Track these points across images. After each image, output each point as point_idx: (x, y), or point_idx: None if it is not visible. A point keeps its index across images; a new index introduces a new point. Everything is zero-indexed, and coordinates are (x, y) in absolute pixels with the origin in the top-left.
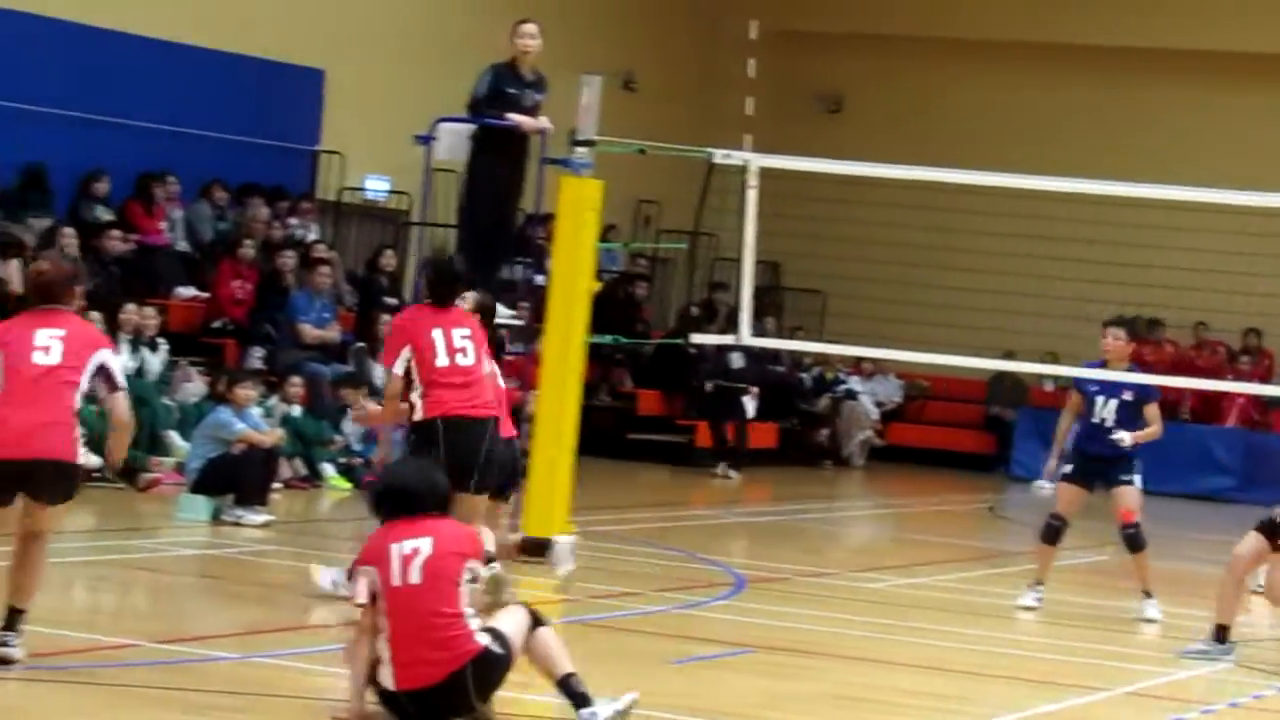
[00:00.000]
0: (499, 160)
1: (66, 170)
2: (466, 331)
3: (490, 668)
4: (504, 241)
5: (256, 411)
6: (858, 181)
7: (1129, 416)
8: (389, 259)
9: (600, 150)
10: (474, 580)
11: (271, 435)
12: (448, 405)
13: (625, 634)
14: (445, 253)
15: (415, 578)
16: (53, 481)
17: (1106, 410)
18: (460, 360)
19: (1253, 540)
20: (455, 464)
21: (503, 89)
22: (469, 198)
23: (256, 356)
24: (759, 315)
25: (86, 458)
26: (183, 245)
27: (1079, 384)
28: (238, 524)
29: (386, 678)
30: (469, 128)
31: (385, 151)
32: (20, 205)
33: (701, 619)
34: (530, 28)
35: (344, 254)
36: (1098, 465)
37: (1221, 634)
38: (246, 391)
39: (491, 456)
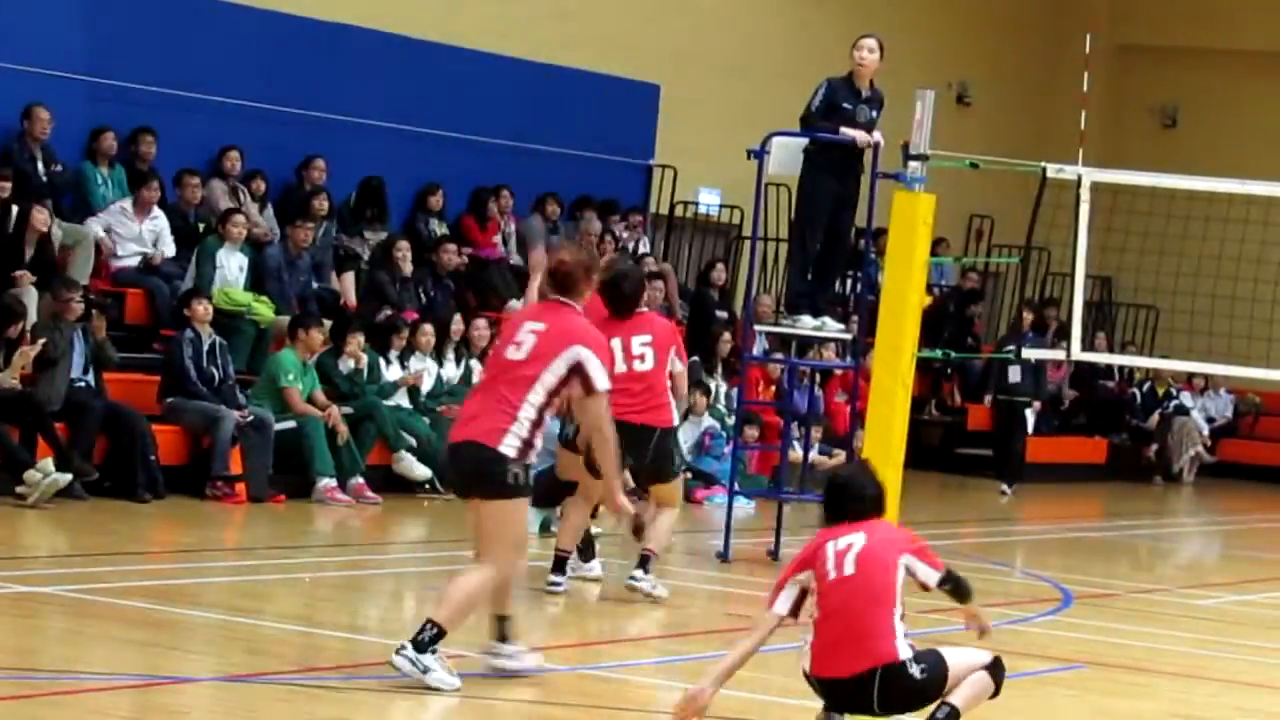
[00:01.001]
0: (831, 175)
1: (403, 184)
2: (647, 338)
3: (900, 682)
4: (836, 256)
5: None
6: (1191, 196)
7: None
8: (720, 272)
9: (933, 165)
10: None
11: None
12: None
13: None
14: (622, 267)
15: (849, 569)
16: (475, 474)
17: None
18: (637, 366)
19: None
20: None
21: (837, 103)
22: (801, 212)
23: None
24: (1091, 330)
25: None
26: (516, 259)
27: None
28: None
29: (806, 660)
30: (801, 142)
31: (718, 165)
32: (357, 219)
33: (1029, 635)
34: (869, 42)
35: (676, 267)
36: None
37: None
38: None
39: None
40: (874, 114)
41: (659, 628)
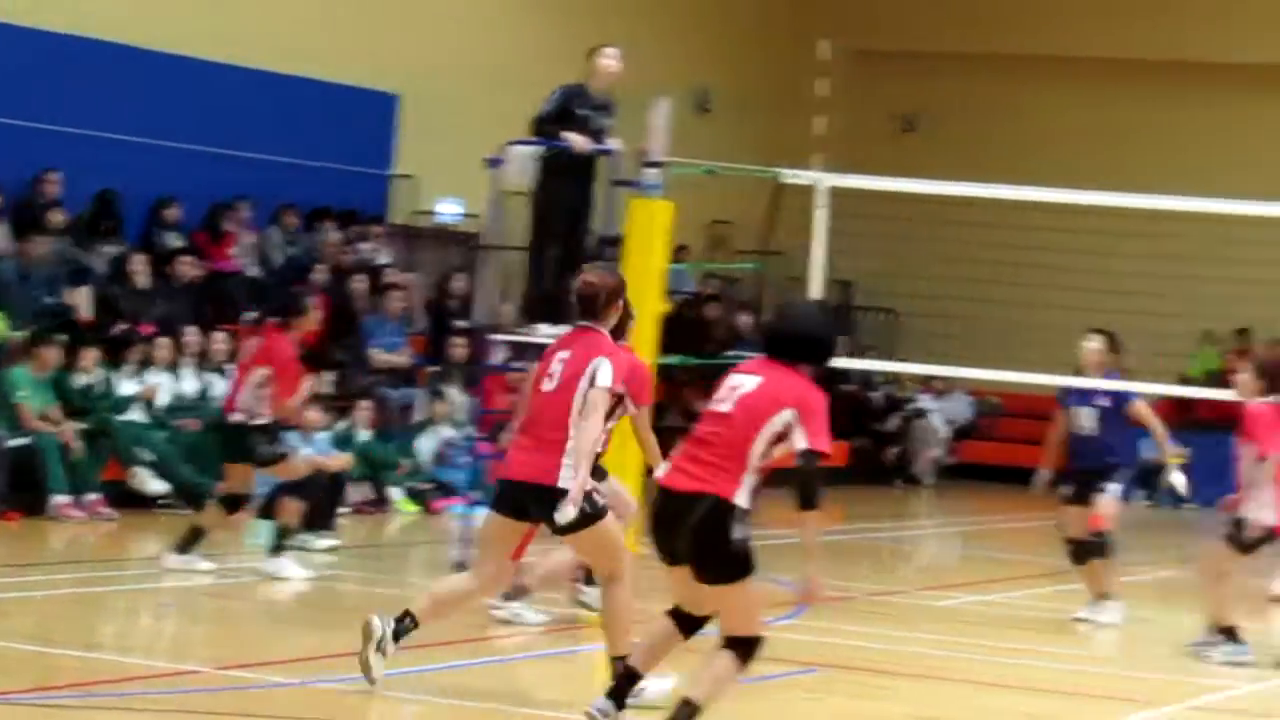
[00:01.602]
0: (566, 182)
1: (139, 197)
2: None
3: (718, 524)
4: (573, 263)
5: (324, 436)
6: (931, 200)
7: (1112, 423)
8: (460, 282)
9: (671, 172)
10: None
11: (338, 460)
12: None
13: (692, 655)
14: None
15: (728, 407)
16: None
17: (1086, 419)
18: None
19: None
20: None
21: (571, 109)
22: (536, 220)
23: (327, 381)
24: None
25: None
26: (254, 271)
27: (1058, 399)
28: (304, 549)
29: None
30: (537, 150)
31: (458, 175)
32: (92, 232)
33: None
34: (612, 50)
35: (418, 277)
36: (1086, 478)
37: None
38: (314, 416)
39: None
40: (606, 122)
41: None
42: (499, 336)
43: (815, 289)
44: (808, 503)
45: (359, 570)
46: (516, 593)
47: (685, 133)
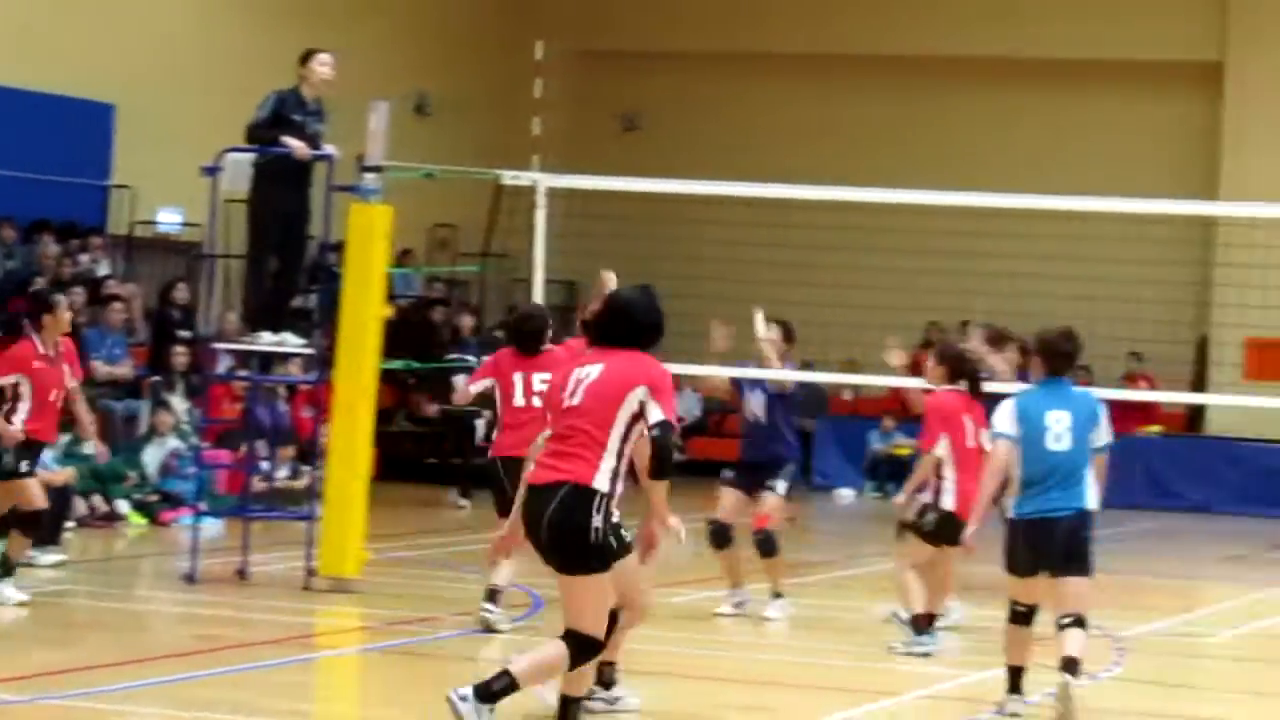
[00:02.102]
0: (282, 188)
1: None
2: (548, 375)
3: (579, 507)
4: (293, 270)
5: (48, 450)
6: (656, 198)
7: (778, 412)
8: (182, 291)
9: (392, 175)
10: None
11: (62, 474)
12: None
13: (425, 659)
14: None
15: (578, 399)
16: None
17: (755, 406)
18: (536, 402)
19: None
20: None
21: (286, 115)
22: (254, 228)
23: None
24: (556, 335)
25: None
26: None
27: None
28: (30, 565)
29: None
30: (252, 156)
31: (178, 184)
32: None
33: (504, 639)
34: (325, 56)
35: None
36: (755, 470)
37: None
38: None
39: None
40: (320, 127)
41: (121, 652)
42: (222, 345)
43: (537, 290)
44: (662, 470)
45: (87, 585)
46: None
47: (404, 137)
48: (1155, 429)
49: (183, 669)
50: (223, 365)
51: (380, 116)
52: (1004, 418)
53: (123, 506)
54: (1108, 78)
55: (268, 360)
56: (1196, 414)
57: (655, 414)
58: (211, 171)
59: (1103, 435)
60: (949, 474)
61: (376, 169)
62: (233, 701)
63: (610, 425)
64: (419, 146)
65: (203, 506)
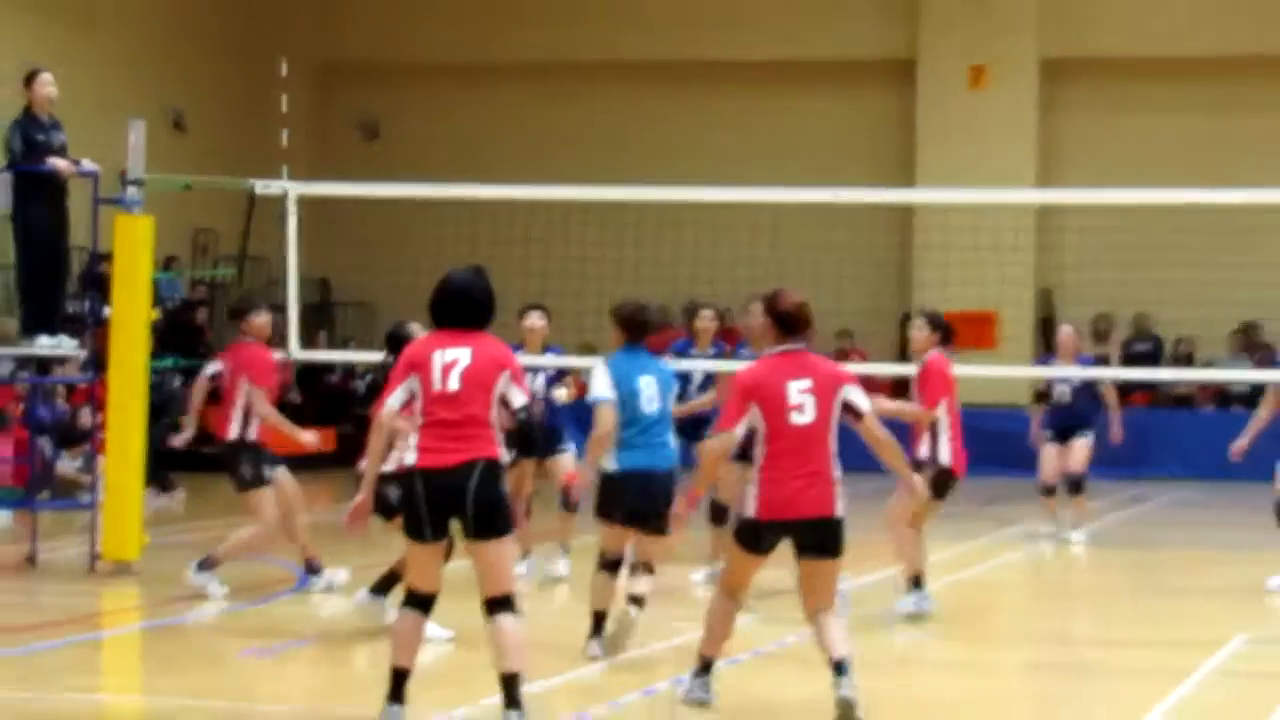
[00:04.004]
0: (43, 203)
1: None
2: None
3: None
4: (58, 278)
5: None
6: (397, 201)
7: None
8: None
9: (150, 189)
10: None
11: None
12: None
13: (197, 633)
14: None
15: (454, 385)
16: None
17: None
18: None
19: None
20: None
21: (33, 138)
22: (23, 241)
23: None
24: (311, 330)
25: None
26: None
27: None
28: None
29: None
30: (6, 177)
31: None
32: None
33: (268, 613)
34: (48, 76)
35: None
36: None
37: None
38: None
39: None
40: (63, 138)
41: None
42: (3, 350)
43: (291, 289)
44: (529, 450)
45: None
46: (208, 565)
47: (163, 150)
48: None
49: None
50: (3, 369)
51: (138, 132)
52: (602, 383)
53: None
54: (815, 77)
55: (45, 363)
56: (902, 382)
57: (518, 398)
58: None
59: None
60: (944, 433)
61: (138, 182)
62: (22, 678)
63: (490, 407)
64: (175, 158)
65: None
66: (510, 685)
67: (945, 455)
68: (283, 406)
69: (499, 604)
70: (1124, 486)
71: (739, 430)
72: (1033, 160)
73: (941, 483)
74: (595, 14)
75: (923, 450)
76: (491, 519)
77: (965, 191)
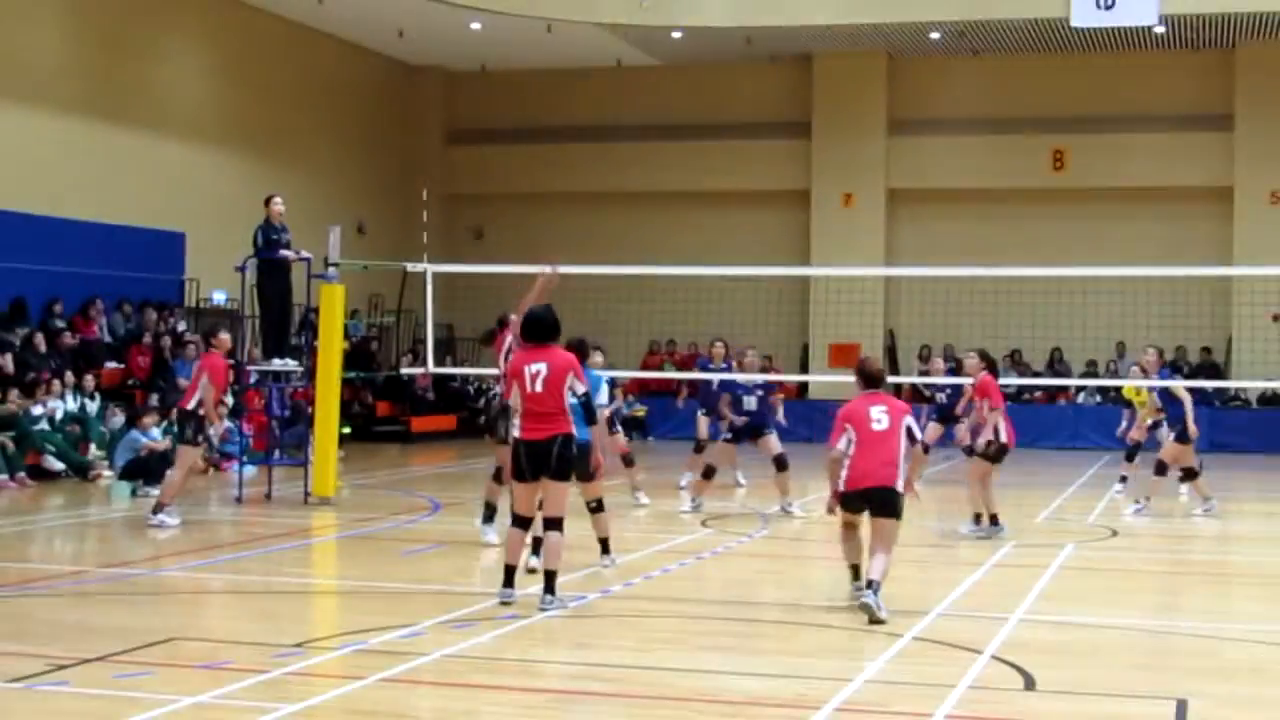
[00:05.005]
0: (276, 277)
1: (35, 301)
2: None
3: (566, 448)
4: (286, 322)
5: (155, 431)
6: (492, 275)
7: None
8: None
9: (344, 269)
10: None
11: (163, 444)
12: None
13: (375, 539)
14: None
15: (539, 388)
16: (895, 504)
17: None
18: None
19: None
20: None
21: (270, 237)
22: (264, 300)
23: (154, 400)
24: (441, 355)
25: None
26: (107, 339)
27: None
28: (148, 495)
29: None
30: (253, 262)
31: (223, 276)
32: (9, 322)
33: (418, 528)
34: (280, 198)
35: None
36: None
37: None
38: (148, 419)
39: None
40: (289, 238)
41: None
42: (255, 367)
43: (429, 330)
44: (593, 418)
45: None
46: (159, 508)
47: (350, 245)
48: (783, 396)
49: None
50: (254, 379)
51: (336, 234)
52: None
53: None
54: (749, 201)
55: (278, 375)
56: (804, 387)
57: (579, 387)
58: (242, 269)
59: (578, 387)
60: (1001, 422)
61: (335, 265)
62: (263, 569)
63: (562, 399)
64: (360, 249)
65: None
66: (549, 578)
67: (1004, 435)
68: (421, 403)
69: (552, 523)
70: None
71: (841, 444)
72: (881, 250)
73: (1000, 452)
74: (612, 159)
75: (987, 434)
76: (562, 470)
77: (841, 269)
